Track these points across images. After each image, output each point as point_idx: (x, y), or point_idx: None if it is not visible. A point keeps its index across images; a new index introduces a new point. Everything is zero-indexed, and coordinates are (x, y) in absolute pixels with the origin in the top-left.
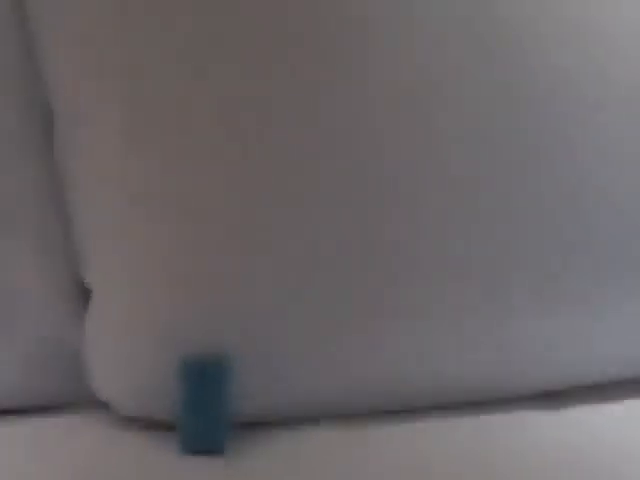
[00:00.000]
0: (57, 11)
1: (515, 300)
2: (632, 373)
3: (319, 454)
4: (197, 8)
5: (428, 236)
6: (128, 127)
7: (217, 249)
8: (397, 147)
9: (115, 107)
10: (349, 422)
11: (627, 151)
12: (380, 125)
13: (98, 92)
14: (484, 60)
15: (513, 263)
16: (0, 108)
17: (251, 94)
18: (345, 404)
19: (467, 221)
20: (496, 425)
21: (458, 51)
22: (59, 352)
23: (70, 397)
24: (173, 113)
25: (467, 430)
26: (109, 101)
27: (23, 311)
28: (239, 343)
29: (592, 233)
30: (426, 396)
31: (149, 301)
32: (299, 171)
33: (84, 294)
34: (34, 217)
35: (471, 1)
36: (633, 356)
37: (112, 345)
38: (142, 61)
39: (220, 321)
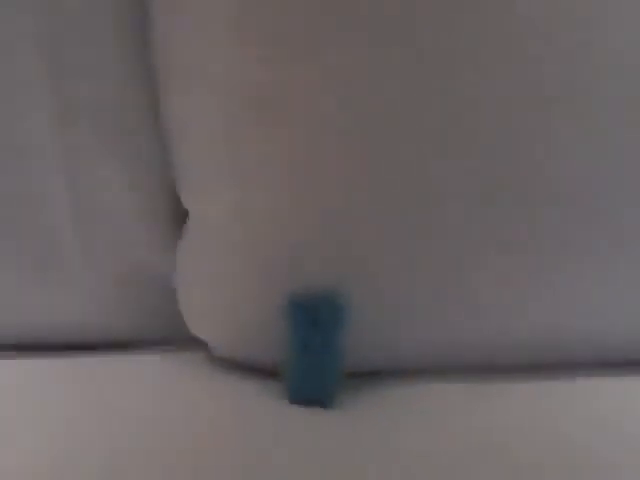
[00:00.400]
0: None
1: None
2: None
3: (434, 407)
4: None
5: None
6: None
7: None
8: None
9: None
10: (469, 376)
11: None
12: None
13: None
14: None
15: None
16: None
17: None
18: (471, 354)
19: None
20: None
21: None
22: (152, 280)
23: (164, 333)
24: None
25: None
26: None
27: (118, 232)
28: (353, 283)
29: None
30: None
31: (254, 229)
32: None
33: (180, 220)
34: (132, 134)
35: None
36: None
37: (209, 277)
38: None
39: (333, 257)
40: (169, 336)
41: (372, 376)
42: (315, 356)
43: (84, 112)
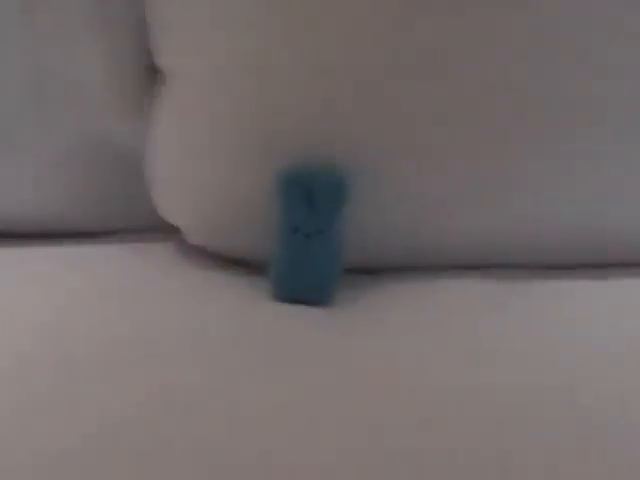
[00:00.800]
0: None
1: None
2: None
3: (450, 308)
4: None
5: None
6: None
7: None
8: None
9: None
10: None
11: None
12: None
13: None
14: None
15: None
16: None
17: None
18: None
19: None
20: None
21: None
22: (120, 157)
23: (132, 221)
24: None
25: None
26: None
27: (83, 102)
28: (358, 160)
29: None
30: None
31: (244, 89)
32: None
33: (151, 88)
34: None
35: None
36: None
37: (185, 149)
38: None
39: (335, 129)
40: (137, 224)
41: (375, 273)
42: (310, 243)
43: None
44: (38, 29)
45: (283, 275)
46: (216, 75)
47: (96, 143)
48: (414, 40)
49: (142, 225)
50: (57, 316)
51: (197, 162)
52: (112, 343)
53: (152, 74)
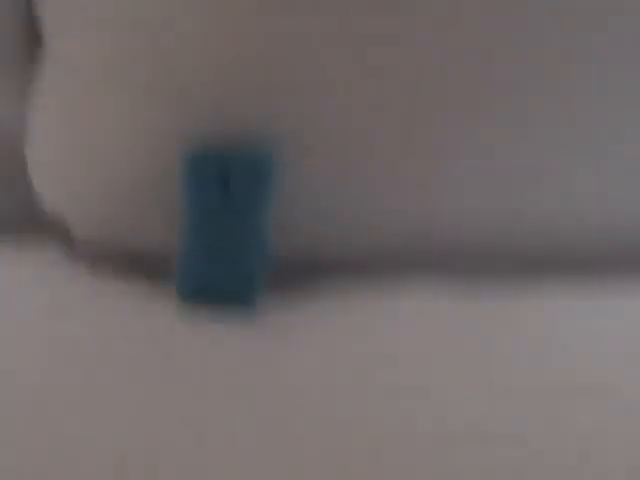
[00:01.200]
0: None
1: None
2: None
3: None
4: None
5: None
6: None
7: None
8: None
9: None
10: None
11: None
12: None
13: None
14: None
15: None
16: None
17: None
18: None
19: None
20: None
21: None
22: None
23: (18, 217)
24: None
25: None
26: None
27: None
28: (282, 133)
29: None
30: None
31: (134, 49)
32: None
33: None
34: None
35: None
36: None
37: (71, 127)
38: None
39: (255, 100)
40: (19, 221)
41: (307, 270)
42: (227, 232)
43: None
44: None
45: (193, 275)
46: (109, 31)
47: None
48: None
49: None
50: None
51: (83, 133)
52: None
53: (32, 42)
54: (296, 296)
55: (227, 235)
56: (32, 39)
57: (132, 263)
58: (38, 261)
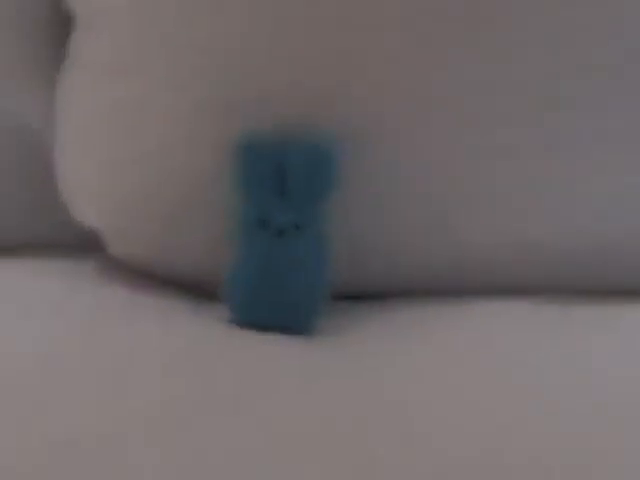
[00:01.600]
0: None
1: None
2: None
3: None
4: None
5: None
6: None
7: None
8: None
9: None
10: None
11: None
12: None
13: None
14: None
15: None
16: None
17: None
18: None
19: None
20: None
21: None
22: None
23: (47, 232)
24: None
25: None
26: None
27: None
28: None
29: None
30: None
31: (182, 37)
32: None
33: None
34: None
35: None
36: None
37: (101, 121)
38: None
39: (305, 96)
40: (53, 237)
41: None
42: (283, 242)
43: None
44: None
45: (246, 290)
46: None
47: None
48: None
49: (57, 239)
50: None
51: (119, 134)
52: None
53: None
54: (359, 320)
55: (283, 243)
56: (61, 43)
57: (169, 280)
58: (75, 272)
